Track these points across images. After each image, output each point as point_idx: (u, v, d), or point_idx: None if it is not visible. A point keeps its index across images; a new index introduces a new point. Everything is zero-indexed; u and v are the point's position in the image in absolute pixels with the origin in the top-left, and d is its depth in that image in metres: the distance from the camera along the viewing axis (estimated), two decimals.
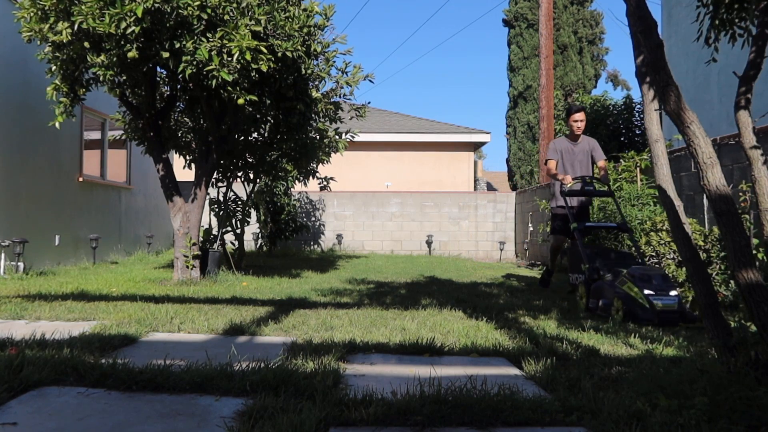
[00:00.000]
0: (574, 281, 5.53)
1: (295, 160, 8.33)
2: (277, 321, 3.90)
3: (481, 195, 14.94)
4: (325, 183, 9.64)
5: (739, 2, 2.78)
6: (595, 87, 19.14)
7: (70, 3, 5.25)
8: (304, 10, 6.14)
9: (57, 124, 6.18)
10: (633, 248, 5.52)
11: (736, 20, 2.85)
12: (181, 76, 5.58)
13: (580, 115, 6.14)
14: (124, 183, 10.75)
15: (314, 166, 8.79)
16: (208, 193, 7.56)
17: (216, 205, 9.32)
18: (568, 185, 5.79)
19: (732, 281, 4.99)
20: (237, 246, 9.20)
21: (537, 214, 12.16)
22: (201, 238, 7.57)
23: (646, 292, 4.25)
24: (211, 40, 5.33)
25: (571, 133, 6.22)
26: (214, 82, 5.39)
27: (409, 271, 8.98)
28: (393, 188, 16.43)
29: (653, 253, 6.46)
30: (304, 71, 6.33)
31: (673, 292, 4.25)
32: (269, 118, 7.28)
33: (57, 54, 5.82)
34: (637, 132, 12.85)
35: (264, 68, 5.40)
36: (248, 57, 5.24)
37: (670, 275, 5.18)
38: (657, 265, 6.44)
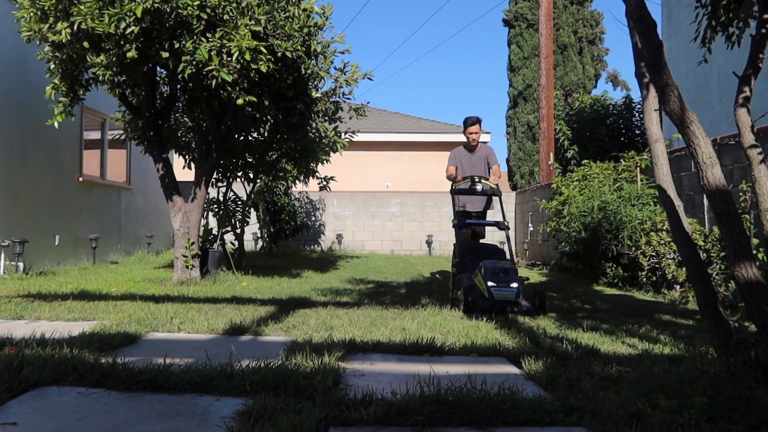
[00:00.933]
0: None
1: (295, 160, 8.33)
2: (277, 321, 3.90)
3: None
4: (325, 183, 9.64)
5: (737, 3, 2.78)
6: (595, 87, 19.16)
7: (70, 3, 5.25)
8: (304, 10, 6.14)
9: (56, 124, 6.18)
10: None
11: (735, 21, 2.85)
12: (180, 76, 5.57)
13: (475, 128, 6.47)
14: (124, 183, 10.75)
15: (314, 165, 8.79)
16: (208, 193, 7.56)
17: (216, 205, 9.32)
18: (459, 184, 6.06)
19: (732, 281, 4.99)
20: (237, 246, 9.20)
21: (537, 214, 12.16)
22: (201, 238, 7.57)
23: (490, 284, 4.62)
24: (210, 40, 5.32)
25: (467, 143, 6.57)
26: (213, 82, 5.39)
27: (409, 271, 8.98)
28: (393, 188, 16.43)
29: (653, 253, 6.47)
30: (303, 71, 6.33)
31: (513, 285, 4.64)
32: (269, 118, 7.29)
33: (56, 54, 5.83)
34: (637, 132, 12.86)
35: (264, 68, 5.39)
36: (248, 57, 5.24)
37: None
38: (657, 265, 6.44)
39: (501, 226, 5.63)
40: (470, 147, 6.57)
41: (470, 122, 6.48)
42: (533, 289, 4.81)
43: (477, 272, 4.87)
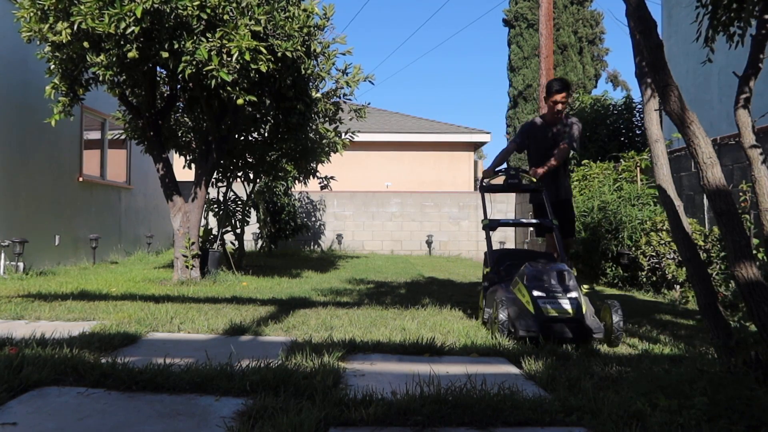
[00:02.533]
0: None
1: (295, 160, 8.33)
2: (277, 321, 3.90)
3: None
4: (325, 183, 9.64)
5: (738, 2, 2.78)
6: (595, 87, 19.17)
7: (70, 3, 5.24)
8: (304, 10, 6.14)
9: (53, 122, 6.16)
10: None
11: (735, 21, 2.85)
12: (180, 76, 5.57)
13: (561, 96, 4.94)
14: (124, 183, 10.75)
15: (314, 165, 8.79)
16: (208, 193, 7.56)
17: (216, 205, 9.32)
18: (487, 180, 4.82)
19: (732, 281, 4.99)
20: (237, 246, 9.20)
21: None
22: (201, 238, 7.57)
23: (536, 293, 3.43)
24: (210, 40, 5.32)
25: (546, 115, 5.15)
26: (213, 82, 5.39)
27: (409, 271, 8.97)
28: (393, 188, 16.43)
29: (653, 253, 6.47)
30: (303, 71, 6.33)
31: (571, 294, 3.41)
32: (269, 118, 7.28)
33: (56, 54, 5.83)
34: (637, 132, 12.84)
35: (263, 68, 5.39)
36: (247, 57, 5.24)
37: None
38: (657, 265, 6.41)
39: (545, 223, 4.42)
40: (553, 120, 5.01)
41: (555, 88, 4.90)
42: (602, 302, 3.58)
43: (517, 280, 3.64)
